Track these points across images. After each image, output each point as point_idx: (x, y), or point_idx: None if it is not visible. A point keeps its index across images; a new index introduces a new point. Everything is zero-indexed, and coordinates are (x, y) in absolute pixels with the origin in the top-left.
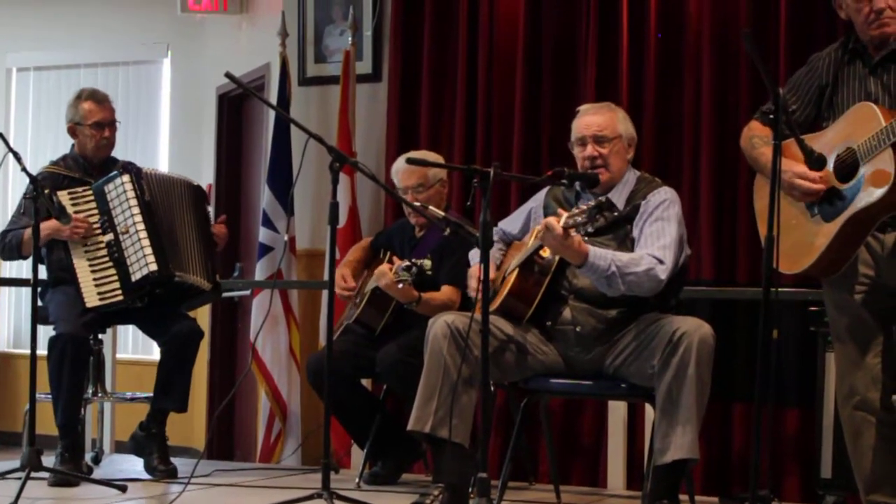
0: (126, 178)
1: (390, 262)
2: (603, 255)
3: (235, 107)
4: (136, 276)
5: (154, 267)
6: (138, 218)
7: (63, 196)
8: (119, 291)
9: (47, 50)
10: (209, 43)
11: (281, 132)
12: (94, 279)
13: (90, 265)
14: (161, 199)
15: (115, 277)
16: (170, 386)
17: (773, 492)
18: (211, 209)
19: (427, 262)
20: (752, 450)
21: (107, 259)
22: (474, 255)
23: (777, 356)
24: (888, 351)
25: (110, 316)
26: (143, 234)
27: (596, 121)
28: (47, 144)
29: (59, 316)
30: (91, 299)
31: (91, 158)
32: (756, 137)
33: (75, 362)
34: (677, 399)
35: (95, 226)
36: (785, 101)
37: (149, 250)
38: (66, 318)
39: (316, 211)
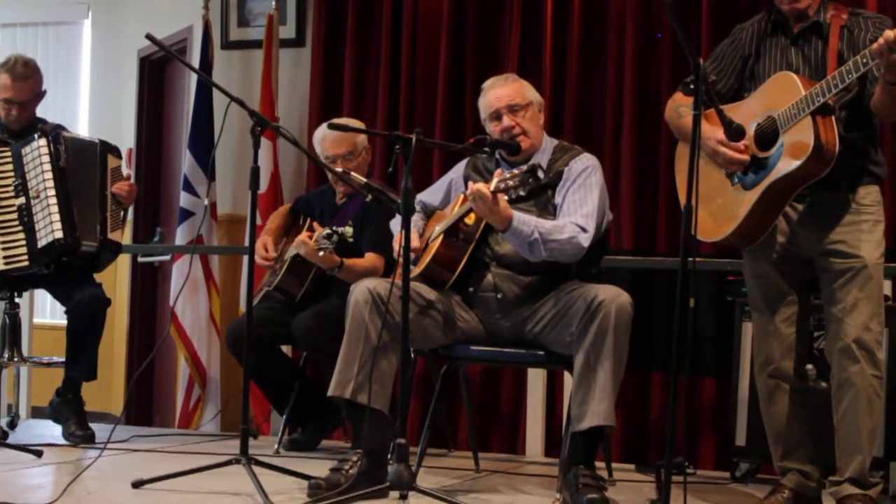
0: (42, 141)
1: (311, 229)
2: (527, 220)
3: (157, 70)
4: (41, 243)
5: (59, 234)
6: (50, 183)
7: None
8: (25, 257)
9: None
10: (131, 4)
11: (203, 96)
12: (2, 242)
13: None
14: (76, 164)
15: (24, 242)
16: (76, 355)
17: (688, 459)
18: (132, 172)
19: (348, 230)
20: (668, 418)
21: (16, 223)
22: (395, 224)
23: (694, 325)
24: (803, 320)
25: (19, 280)
26: (53, 201)
27: (505, 92)
28: None
29: None
30: None
31: (7, 125)
32: (682, 107)
33: None
34: (595, 366)
35: (9, 188)
36: (705, 72)
37: (56, 217)
38: None
39: (237, 176)
